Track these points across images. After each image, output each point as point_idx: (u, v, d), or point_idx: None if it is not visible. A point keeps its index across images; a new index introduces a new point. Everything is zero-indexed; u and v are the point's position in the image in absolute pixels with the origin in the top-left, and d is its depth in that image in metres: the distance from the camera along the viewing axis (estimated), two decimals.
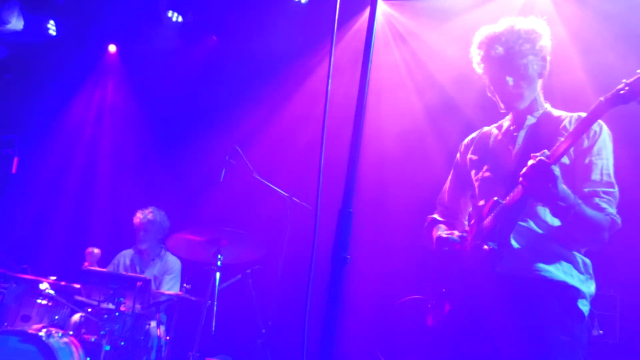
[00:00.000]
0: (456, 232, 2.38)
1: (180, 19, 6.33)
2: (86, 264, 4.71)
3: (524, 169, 2.00)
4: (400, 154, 5.35)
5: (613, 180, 2.17)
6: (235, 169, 4.57)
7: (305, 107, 5.93)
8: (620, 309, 4.02)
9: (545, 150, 1.98)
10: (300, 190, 4.80)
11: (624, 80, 1.89)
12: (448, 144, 4.71)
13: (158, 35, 6.43)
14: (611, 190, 2.15)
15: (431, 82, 5.40)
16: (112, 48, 7.02)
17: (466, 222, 2.59)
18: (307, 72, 6.03)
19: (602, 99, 1.92)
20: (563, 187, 1.99)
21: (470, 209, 2.52)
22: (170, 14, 6.28)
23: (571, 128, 2.18)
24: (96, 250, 4.78)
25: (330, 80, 1.81)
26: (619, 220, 2.11)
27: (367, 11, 1.84)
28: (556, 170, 1.95)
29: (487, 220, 2.21)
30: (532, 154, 2.00)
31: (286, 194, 4.65)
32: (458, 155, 2.63)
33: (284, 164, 5.77)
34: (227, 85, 6.33)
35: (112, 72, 7.11)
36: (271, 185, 4.68)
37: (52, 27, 6.58)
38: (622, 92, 1.88)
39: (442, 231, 2.45)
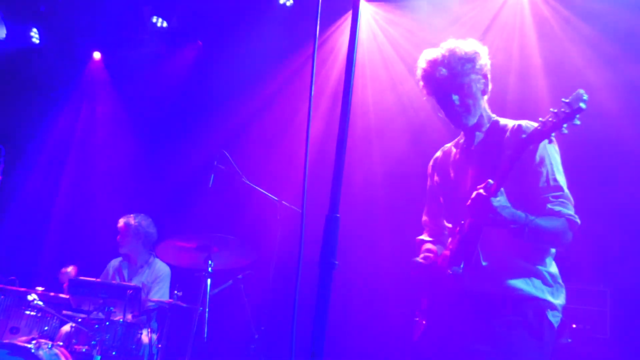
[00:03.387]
0: (427, 254, 2.44)
1: (165, 24, 6.30)
2: (65, 285, 4.66)
3: (469, 201, 2.13)
4: (388, 156, 5.34)
5: (561, 183, 2.24)
6: (224, 174, 4.54)
7: (293, 109, 5.91)
8: (610, 303, 4.04)
9: (490, 180, 2.10)
10: (290, 193, 4.78)
11: (544, 117, 2.02)
12: (438, 145, 4.71)
13: (143, 41, 6.40)
14: (560, 193, 2.23)
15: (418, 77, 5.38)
16: (96, 55, 6.98)
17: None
18: (294, 74, 6.01)
19: (523, 135, 2.10)
20: (509, 212, 2.08)
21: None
22: (154, 19, 6.26)
23: (512, 139, 2.29)
24: (70, 269, 4.75)
25: (313, 84, 1.80)
26: (577, 219, 2.19)
27: (351, 12, 1.84)
28: (495, 201, 2.06)
29: (452, 244, 2.31)
30: (477, 186, 2.12)
31: (276, 198, 4.63)
32: (428, 179, 2.68)
33: (273, 167, 5.74)
34: (213, 89, 6.31)
35: (98, 79, 7.06)
36: (260, 190, 4.66)
37: (35, 35, 6.54)
38: (539, 128, 2.03)
39: (420, 254, 2.50)
